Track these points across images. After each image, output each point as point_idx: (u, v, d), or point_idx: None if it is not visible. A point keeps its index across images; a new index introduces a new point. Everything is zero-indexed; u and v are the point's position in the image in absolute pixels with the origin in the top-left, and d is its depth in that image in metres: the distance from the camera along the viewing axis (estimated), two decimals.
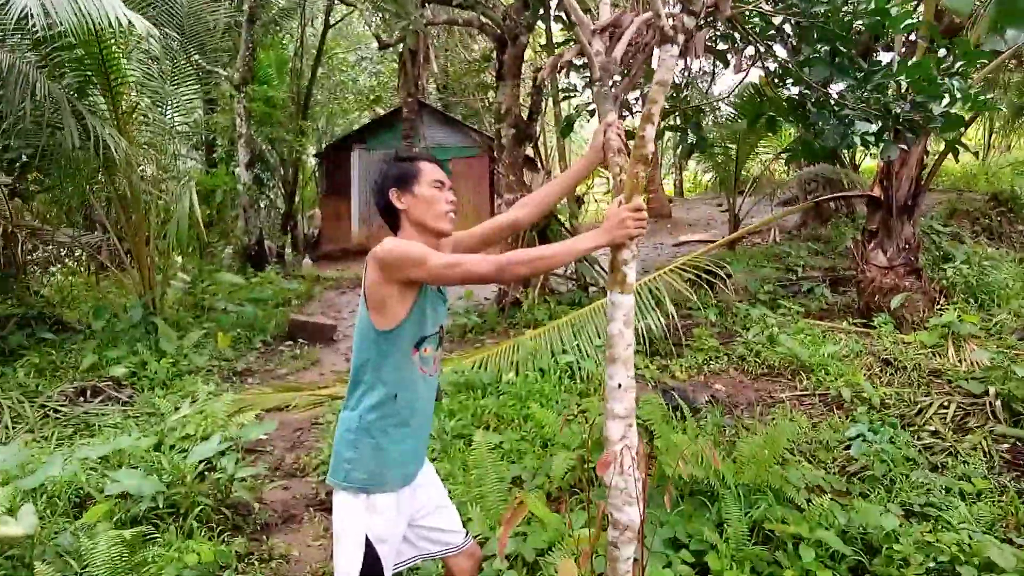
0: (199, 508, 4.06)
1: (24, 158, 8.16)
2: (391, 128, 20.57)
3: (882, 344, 7.05)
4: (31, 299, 11.21)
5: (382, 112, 23.67)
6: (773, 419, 5.45)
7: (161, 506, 3.99)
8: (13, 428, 6.11)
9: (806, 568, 3.41)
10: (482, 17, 9.89)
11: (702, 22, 2.68)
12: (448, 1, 9.99)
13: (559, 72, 3.21)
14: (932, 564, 3.31)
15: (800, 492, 4.03)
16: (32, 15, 6.00)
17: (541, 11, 8.83)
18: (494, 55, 10.54)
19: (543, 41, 12.88)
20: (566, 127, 5.64)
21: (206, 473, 4.47)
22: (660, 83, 2.36)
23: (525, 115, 10.42)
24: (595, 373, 6.54)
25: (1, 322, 8.70)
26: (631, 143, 2.46)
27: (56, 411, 6.45)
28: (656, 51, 2.61)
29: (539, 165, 17.15)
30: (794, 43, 3.83)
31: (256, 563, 3.87)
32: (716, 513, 3.89)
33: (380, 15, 16.85)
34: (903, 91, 3.47)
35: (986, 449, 4.73)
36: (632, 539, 2.45)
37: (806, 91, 3.96)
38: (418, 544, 2.59)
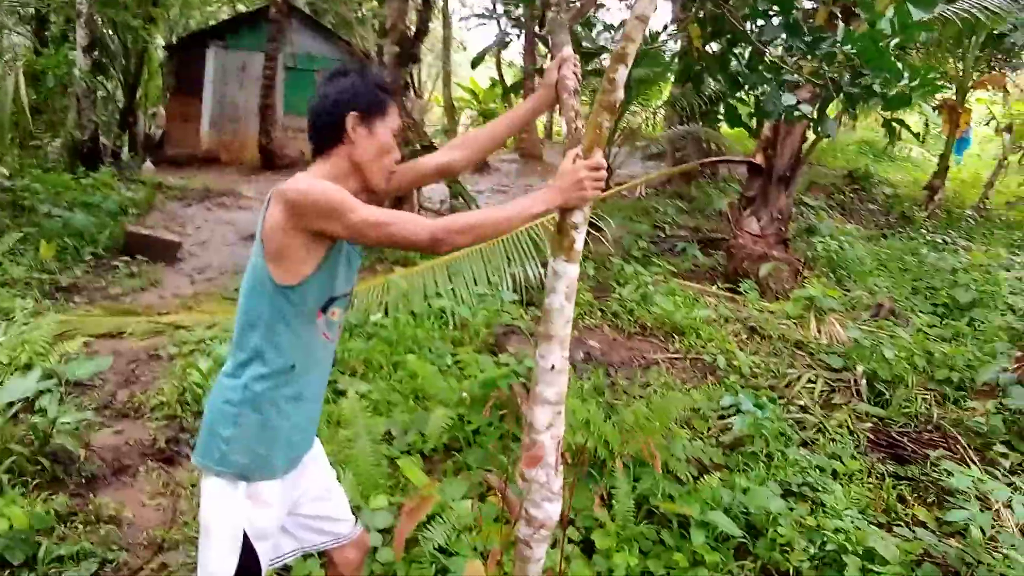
0: (11, 458, 3.39)
1: None
2: (254, 28, 18.85)
3: (748, 311, 7.20)
4: None
5: (245, 9, 21.68)
6: (650, 385, 5.38)
7: None
8: None
9: (694, 550, 3.30)
10: None
11: None
12: None
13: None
14: (815, 551, 3.30)
15: (685, 466, 3.93)
16: None
17: None
18: None
19: None
20: (478, 58, 5.15)
21: (21, 415, 3.76)
22: (639, 17, 1.98)
23: (411, 34, 9.69)
24: (471, 321, 6.21)
25: None
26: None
27: None
28: None
29: (414, 91, 16.34)
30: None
31: (80, 527, 3.28)
32: (603, 486, 3.72)
33: None
34: (850, 62, 3.28)
35: (851, 427, 4.86)
36: (547, 538, 2.16)
37: (737, 50, 3.71)
38: (299, 535, 2.17)
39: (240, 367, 1.87)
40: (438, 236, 1.74)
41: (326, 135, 1.88)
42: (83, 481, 3.69)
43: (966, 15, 8.08)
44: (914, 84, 3.15)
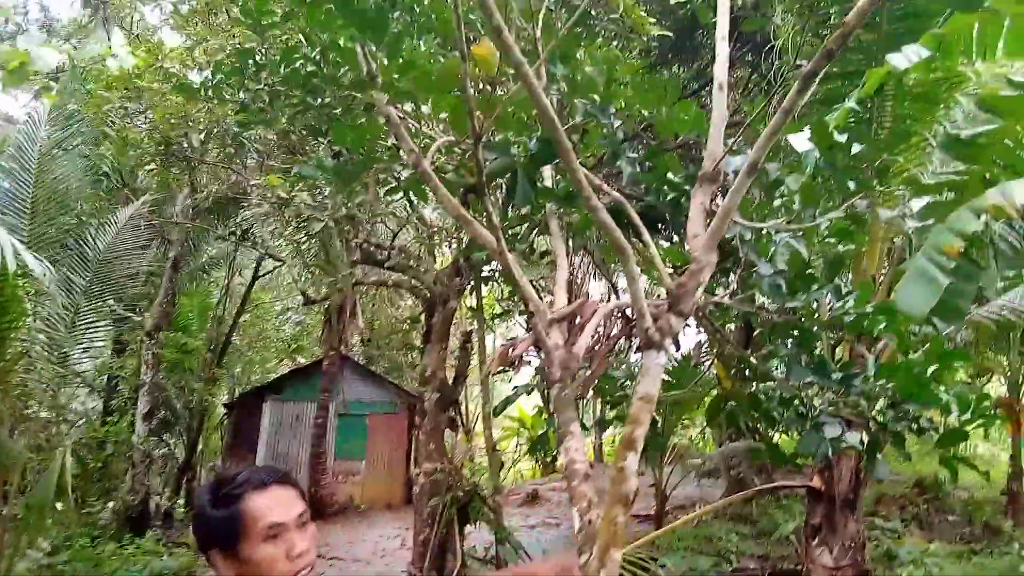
0: None
1: None
2: (308, 380, 19.84)
3: None
4: None
5: (303, 362, 23.05)
6: None
7: None
8: None
9: None
10: (412, 280, 9.78)
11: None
12: (379, 263, 9.89)
13: (510, 368, 2.74)
14: None
15: None
16: None
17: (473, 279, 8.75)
18: (422, 317, 10.32)
19: (473, 302, 12.91)
20: (501, 406, 5.14)
21: None
22: (644, 398, 1.87)
23: (451, 377, 9.98)
24: None
25: None
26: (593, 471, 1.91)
27: None
28: (621, 352, 2.18)
29: (459, 424, 16.52)
30: (752, 336, 3.53)
31: None
32: None
33: (309, 271, 16.89)
34: (888, 396, 3.11)
35: None
36: None
37: (771, 390, 3.58)
38: None
39: None
40: None
41: (204, 546, 1.69)
42: None
43: (998, 317, 8.07)
44: (965, 417, 2.95)
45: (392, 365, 24.61)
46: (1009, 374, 12.85)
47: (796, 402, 3.51)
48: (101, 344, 19.33)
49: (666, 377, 11.67)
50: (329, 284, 10.85)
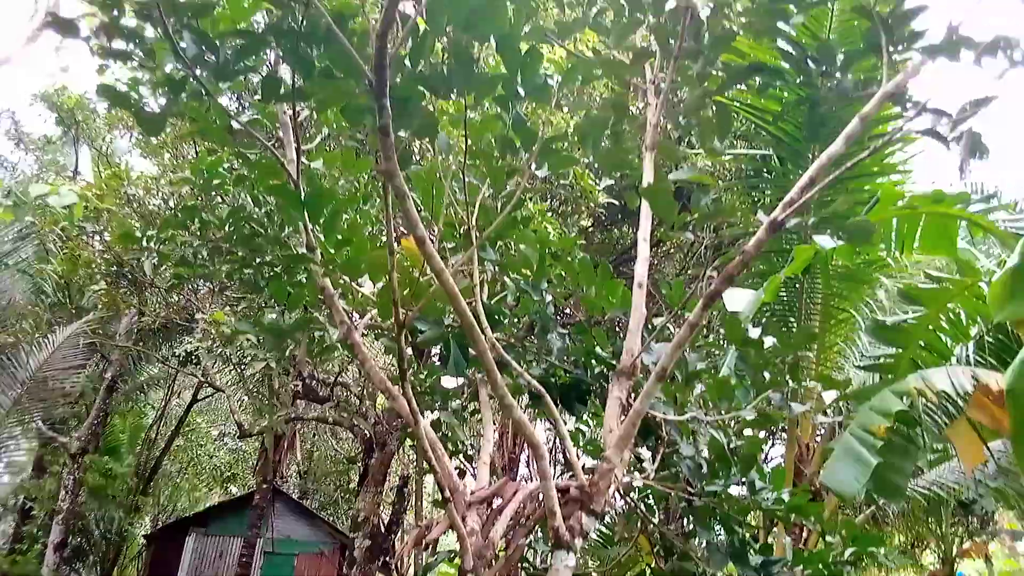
0: None
1: None
2: (237, 512, 18.92)
3: None
4: None
5: (235, 492, 22.06)
6: None
7: None
8: None
9: None
10: (352, 419, 9.63)
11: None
12: (320, 400, 9.74)
13: (423, 550, 2.69)
14: None
15: None
16: None
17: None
18: (360, 457, 10.07)
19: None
20: (424, 571, 4.98)
21: None
22: None
23: (386, 521, 9.64)
24: None
25: None
26: None
27: None
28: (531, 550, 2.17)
29: (392, 570, 15.74)
30: (676, 516, 3.54)
31: None
32: None
33: (250, 399, 16.48)
34: None
35: None
36: None
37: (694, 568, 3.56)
38: None
39: None
40: None
41: None
42: None
43: (928, 492, 8.21)
44: None
45: (327, 500, 23.70)
46: (943, 545, 12.95)
47: None
48: (21, 464, 18.33)
49: (598, 538, 11.48)
50: (267, 418, 10.59)
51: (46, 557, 13.96)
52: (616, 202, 7.65)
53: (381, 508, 9.67)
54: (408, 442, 12.79)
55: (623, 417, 2.28)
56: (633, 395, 2.46)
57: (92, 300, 14.74)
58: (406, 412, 2.37)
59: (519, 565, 3.67)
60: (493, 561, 2.23)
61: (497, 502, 2.54)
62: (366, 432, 9.53)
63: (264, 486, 17.73)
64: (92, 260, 11.09)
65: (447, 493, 2.27)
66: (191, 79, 2.43)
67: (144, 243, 3.37)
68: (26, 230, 11.00)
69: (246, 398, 17.35)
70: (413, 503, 10.07)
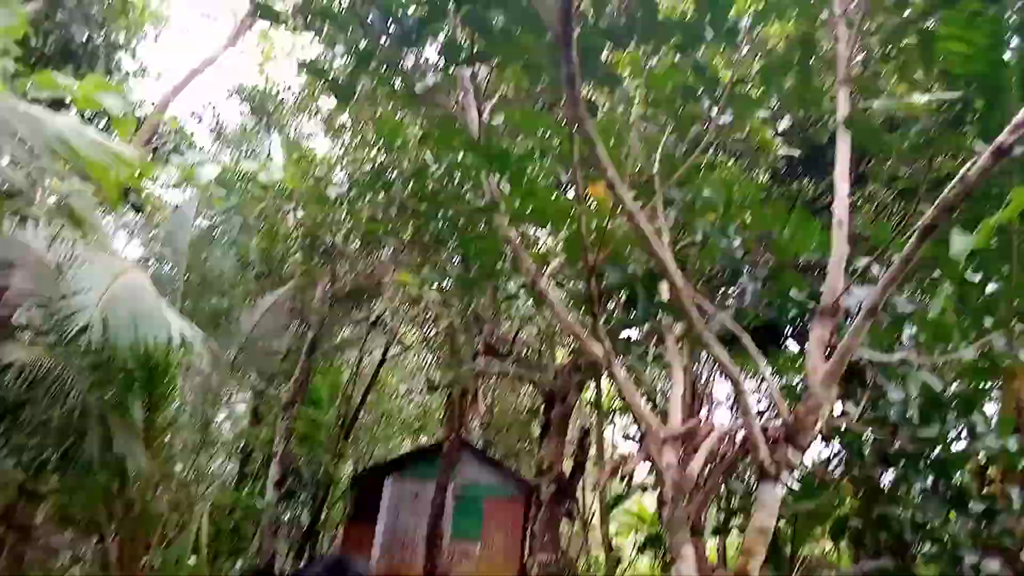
0: None
1: (43, 456, 7.80)
2: (430, 460, 20.13)
3: None
4: None
5: (425, 442, 23.51)
6: None
7: None
8: None
9: None
10: (533, 374, 9.91)
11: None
12: (502, 356, 10.11)
13: (620, 481, 2.76)
14: None
15: None
16: (91, 329, 6.06)
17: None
18: (541, 409, 10.39)
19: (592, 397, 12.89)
20: (612, 503, 5.09)
21: None
22: (761, 531, 1.87)
23: (568, 470, 9.93)
24: None
25: None
26: None
27: None
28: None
29: (575, 516, 16.20)
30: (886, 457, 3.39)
31: None
32: None
33: (436, 357, 17.42)
34: None
35: None
36: None
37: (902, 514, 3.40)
38: None
39: None
40: None
41: None
42: None
43: None
44: None
45: (509, 451, 24.65)
46: None
47: (929, 527, 3.32)
48: (241, 414, 20.60)
49: (795, 486, 11.12)
50: (452, 373, 11.14)
51: (267, 493, 15.66)
52: (795, 153, 7.24)
53: (564, 456, 9.95)
54: (587, 396, 13.03)
55: (828, 355, 2.20)
56: (836, 335, 2.37)
57: (289, 271, 16.15)
58: (598, 353, 2.43)
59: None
60: (691, 494, 2.27)
61: (692, 443, 2.57)
62: (546, 386, 9.80)
63: (452, 436, 18.79)
64: (288, 235, 12.14)
65: (643, 428, 2.33)
66: (377, 49, 2.58)
67: (334, 204, 3.64)
68: (232, 210, 12.10)
69: (432, 357, 18.34)
70: (594, 453, 10.26)
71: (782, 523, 12.66)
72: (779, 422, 2.36)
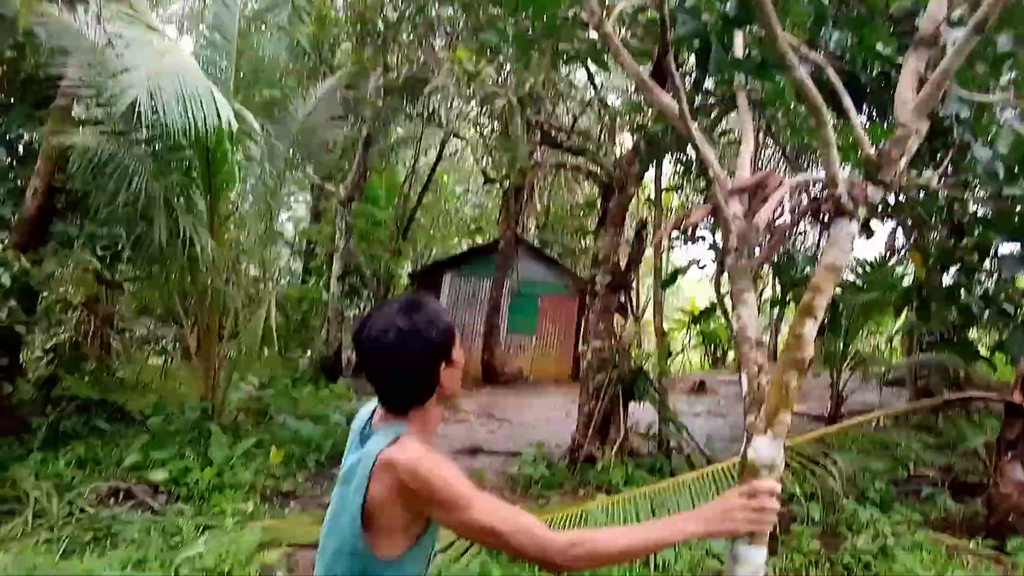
0: None
1: (118, 246, 8.19)
2: (486, 258, 20.64)
3: None
4: (108, 381, 11.21)
5: (481, 242, 23.98)
6: None
7: None
8: (34, 524, 5.69)
9: None
10: (591, 164, 9.71)
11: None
12: (559, 145, 9.89)
13: (683, 236, 2.70)
14: None
15: None
16: (141, 108, 6.06)
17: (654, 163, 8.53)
18: (598, 202, 10.29)
19: (649, 193, 12.71)
20: (670, 278, 5.11)
21: None
22: (830, 267, 1.80)
23: (623, 263, 10.00)
24: (672, 565, 5.66)
25: (63, 403, 8.55)
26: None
27: (83, 511, 6.04)
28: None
29: (629, 311, 16.62)
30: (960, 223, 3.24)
31: None
32: None
33: (490, 152, 17.24)
34: None
35: None
36: None
37: (972, 284, 3.31)
38: None
39: None
40: (555, 559, 1.58)
41: (419, 391, 1.76)
42: None
43: None
44: None
45: (565, 250, 24.96)
46: None
47: (1002, 297, 3.23)
48: (301, 210, 21.16)
49: (853, 279, 11.02)
50: (508, 162, 11.00)
51: (331, 287, 16.38)
52: None
53: (620, 249, 9.98)
54: (644, 187, 12.83)
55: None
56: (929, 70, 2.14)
57: (340, 60, 15.75)
58: (669, 105, 2.28)
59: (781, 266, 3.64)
60: (757, 245, 2.19)
61: (760, 194, 2.46)
62: (604, 177, 9.64)
63: (508, 233, 19.06)
64: (338, 18, 11.67)
65: (711, 174, 2.22)
66: None
67: None
68: None
69: (487, 153, 18.14)
70: (648, 246, 10.23)
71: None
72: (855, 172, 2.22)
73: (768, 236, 2.50)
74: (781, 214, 2.46)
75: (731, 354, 26.35)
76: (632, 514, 6.55)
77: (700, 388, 18.52)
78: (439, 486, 1.60)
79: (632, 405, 9.40)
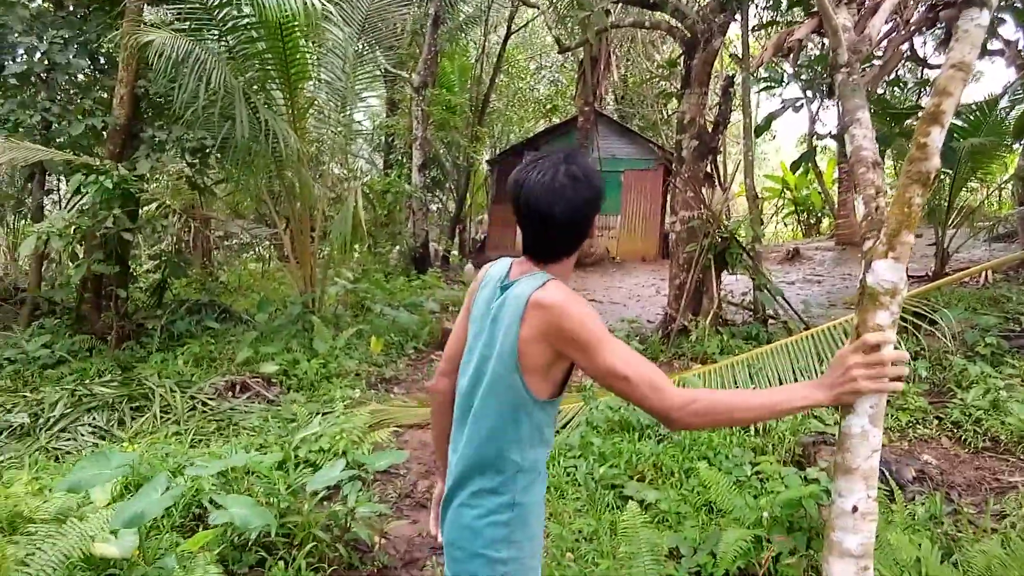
0: (312, 543, 3.62)
1: (206, 148, 8.33)
2: (565, 136, 20.17)
3: None
4: (212, 285, 11.76)
5: (558, 121, 23.39)
6: (1007, 516, 4.30)
7: (274, 535, 3.58)
8: (162, 418, 6.13)
9: None
10: (671, 19, 9.11)
11: None
12: (637, 1, 9.28)
13: (786, 56, 2.45)
14: None
15: None
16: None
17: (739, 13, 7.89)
18: (680, 61, 9.69)
19: (733, 50, 11.89)
20: (764, 124, 4.79)
21: (325, 503, 4.05)
22: (958, 66, 1.56)
23: (709, 127, 9.49)
24: (775, 428, 5.60)
25: (174, 307, 9.03)
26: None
27: (205, 404, 6.44)
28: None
29: (717, 181, 16.05)
30: None
31: None
32: None
33: (563, 21, 16.44)
34: None
35: None
36: None
37: None
38: None
39: (503, 486, 1.80)
40: (672, 414, 1.61)
41: (575, 241, 1.82)
42: (376, 570, 3.82)
43: None
44: None
45: (646, 123, 24.11)
46: None
47: None
48: (376, 103, 21.04)
49: (960, 123, 10.17)
50: (583, 25, 10.43)
51: (412, 177, 16.40)
52: None
53: (706, 110, 9.46)
54: (728, 44, 12.01)
55: None
56: None
57: None
58: None
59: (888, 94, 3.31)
60: (871, 58, 1.94)
61: (870, 3, 2.18)
62: (686, 32, 9.03)
63: (586, 109, 18.45)
64: None
65: None
66: None
67: None
68: None
69: (559, 20, 17.33)
70: (738, 103, 9.66)
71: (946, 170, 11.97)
72: None
73: (881, 51, 2.24)
74: (895, 27, 2.18)
75: (825, 222, 25.30)
76: (730, 381, 6.50)
77: (794, 256, 17.93)
78: (581, 325, 1.65)
79: (724, 276, 9.16)
